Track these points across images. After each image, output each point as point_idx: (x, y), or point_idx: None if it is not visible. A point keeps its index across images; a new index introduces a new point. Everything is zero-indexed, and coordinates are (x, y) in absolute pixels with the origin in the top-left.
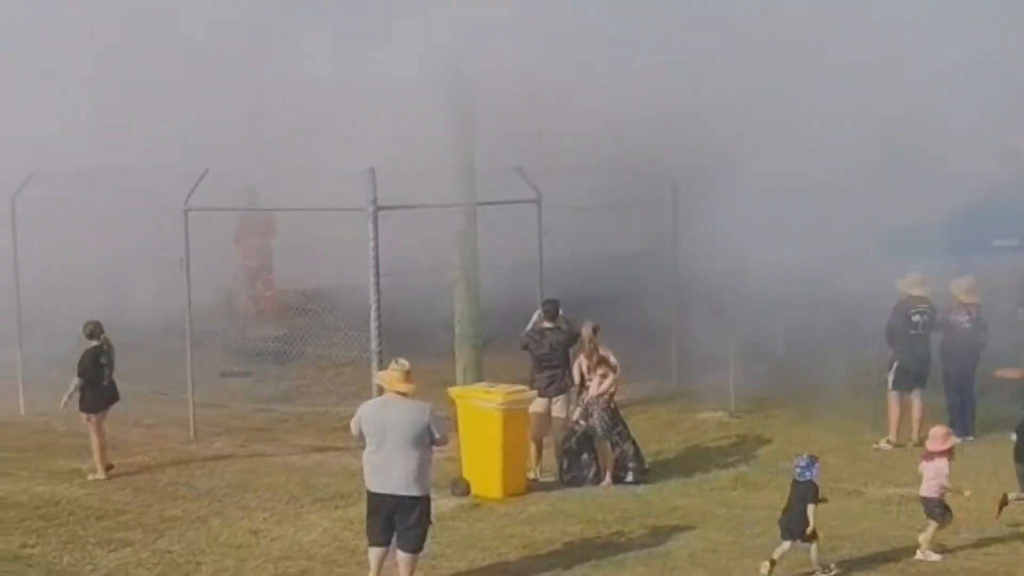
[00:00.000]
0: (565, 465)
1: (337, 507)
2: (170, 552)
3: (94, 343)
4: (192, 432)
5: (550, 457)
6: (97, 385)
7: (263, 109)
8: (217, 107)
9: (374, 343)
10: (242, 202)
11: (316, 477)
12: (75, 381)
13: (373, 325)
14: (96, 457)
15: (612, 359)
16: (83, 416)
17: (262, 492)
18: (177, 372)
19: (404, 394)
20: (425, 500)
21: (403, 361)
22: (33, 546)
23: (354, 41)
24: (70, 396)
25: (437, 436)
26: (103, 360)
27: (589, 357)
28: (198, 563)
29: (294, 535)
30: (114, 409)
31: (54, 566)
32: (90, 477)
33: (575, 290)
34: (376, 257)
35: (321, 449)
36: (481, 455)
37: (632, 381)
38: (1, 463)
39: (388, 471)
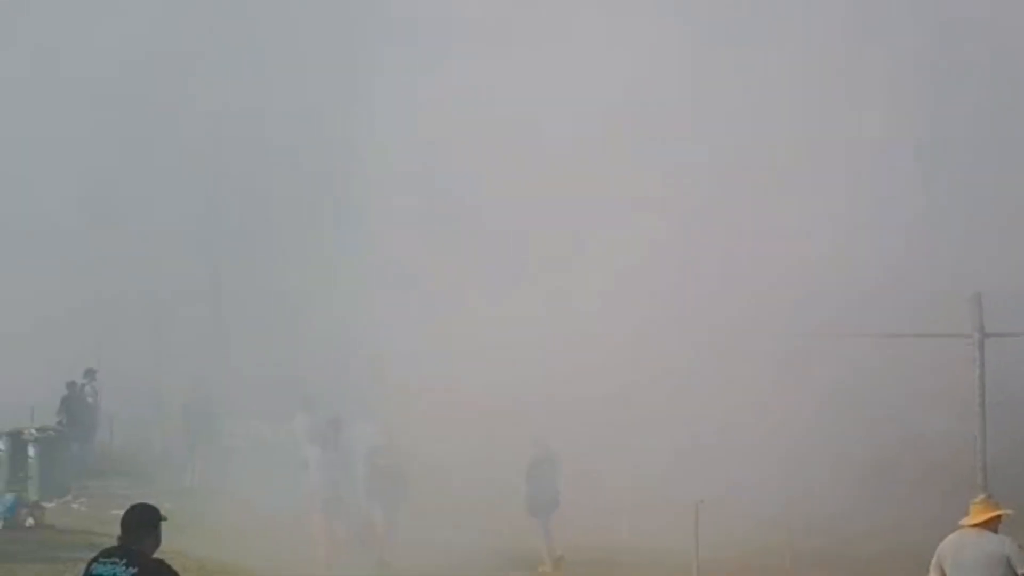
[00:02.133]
0: None
1: None
2: None
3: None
4: (788, 560)
5: None
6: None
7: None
8: None
9: (979, 477)
10: None
11: None
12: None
13: (978, 458)
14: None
15: None
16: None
17: None
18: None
19: (980, 527)
20: None
21: (982, 495)
22: None
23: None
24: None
25: (1020, 572)
26: (547, 469)
27: None
28: None
29: None
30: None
31: None
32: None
33: None
34: (982, 387)
35: None
36: None
37: None
38: None
39: None
